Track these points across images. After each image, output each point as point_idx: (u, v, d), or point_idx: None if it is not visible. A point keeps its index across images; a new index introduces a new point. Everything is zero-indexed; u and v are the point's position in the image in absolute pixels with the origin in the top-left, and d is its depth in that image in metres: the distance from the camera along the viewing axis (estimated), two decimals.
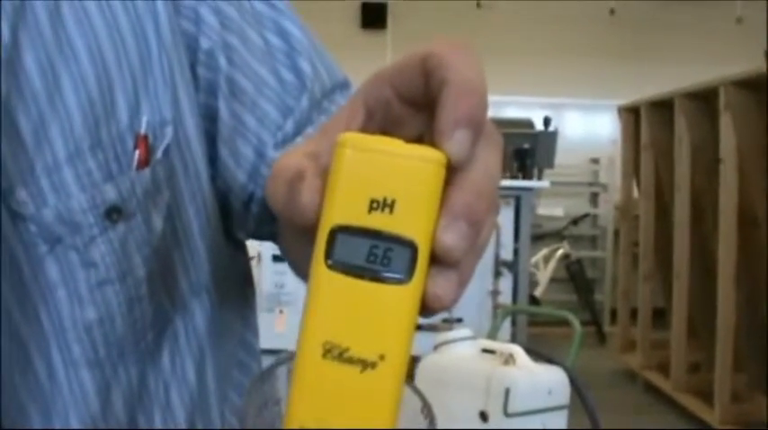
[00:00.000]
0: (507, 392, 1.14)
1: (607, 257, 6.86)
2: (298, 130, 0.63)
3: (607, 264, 6.84)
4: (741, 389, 3.85)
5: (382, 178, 0.35)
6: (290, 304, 3.71)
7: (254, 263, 3.46)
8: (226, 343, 0.68)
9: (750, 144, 3.54)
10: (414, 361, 0.72)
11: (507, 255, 4.28)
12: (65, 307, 0.57)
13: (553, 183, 5.13)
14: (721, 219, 3.68)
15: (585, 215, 6.88)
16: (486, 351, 1.24)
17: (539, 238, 6.26)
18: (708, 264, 3.97)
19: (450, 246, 0.35)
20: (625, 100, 5.15)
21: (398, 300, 0.35)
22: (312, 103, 0.64)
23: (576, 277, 6.49)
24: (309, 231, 0.36)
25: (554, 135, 5.13)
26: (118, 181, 0.57)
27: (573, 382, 1.19)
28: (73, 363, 0.59)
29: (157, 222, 0.59)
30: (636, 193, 5.09)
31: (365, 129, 0.37)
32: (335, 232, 0.35)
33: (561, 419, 1.20)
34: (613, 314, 5.90)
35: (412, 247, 0.35)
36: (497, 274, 4.22)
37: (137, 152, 0.57)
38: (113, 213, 0.57)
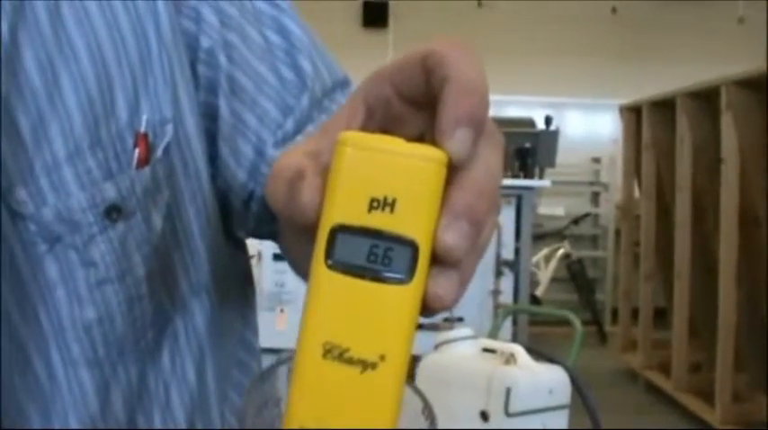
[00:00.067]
0: (508, 392, 1.14)
1: (608, 257, 6.86)
2: (298, 129, 0.63)
3: (608, 263, 6.84)
4: (742, 388, 3.85)
5: (383, 177, 0.34)
6: (291, 303, 3.72)
7: (254, 261, 3.47)
8: (226, 342, 0.67)
9: (751, 144, 3.54)
10: (414, 360, 0.71)
11: (508, 254, 4.27)
12: (64, 306, 0.57)
13: (554, 183, 5.12)
14: (722, 218, 3.68)
15: (587, 214, 6.88)
16: (486, 350, 1.23)
17: (540, 238, 6.25)
18: (709, 263, 3.97)
19: (451, 245, 0.34)
20: (626, 99, 5.15)
21: (399, 300, 0.34)
22: (312, 102, 0.64)
23: (577, 277, 6.49)
24: (310, 230, 0.35)
25: (555, 134, 5.12)
26: (117, 179, 0.57)
27: (574, 382, 1.19)
28: (72, 363, 0.58)
29: (157, 221, 0.59)
30: (637, 193, 5.10)
31: (366, 127, 0.37)
32: (336, 231, 0.35)
33: (562, 419, 1.19)
34: (614, 314, 5.90)
35: (413, 247, 0.34)
36: (498, 274, 4.21)
37: (137, 151, 0.57)
38: (113, 212, 0.57)
